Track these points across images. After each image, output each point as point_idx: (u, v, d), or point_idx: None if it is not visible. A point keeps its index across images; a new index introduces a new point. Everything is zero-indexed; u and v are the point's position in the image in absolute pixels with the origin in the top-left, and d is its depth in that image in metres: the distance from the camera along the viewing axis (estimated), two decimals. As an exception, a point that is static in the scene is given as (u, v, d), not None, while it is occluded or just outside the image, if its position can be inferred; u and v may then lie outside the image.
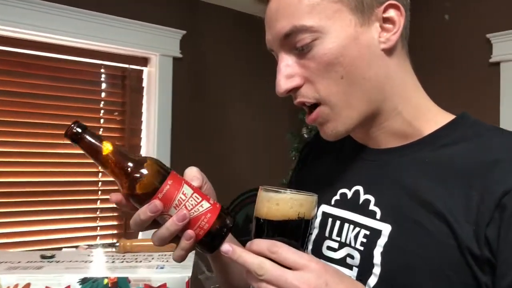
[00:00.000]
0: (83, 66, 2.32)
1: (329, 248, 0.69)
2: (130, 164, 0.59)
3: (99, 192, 2.36)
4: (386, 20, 0.63)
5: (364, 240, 0.64)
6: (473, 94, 2.36)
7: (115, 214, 2.41)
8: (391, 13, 0.62)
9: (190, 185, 0.61)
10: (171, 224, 0.58)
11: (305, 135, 2.29)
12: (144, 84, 2.54)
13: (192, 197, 0.59)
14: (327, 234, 0.70)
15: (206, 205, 0.60)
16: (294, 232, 0.57)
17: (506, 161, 0.56)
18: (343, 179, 0.71)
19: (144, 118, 2.53)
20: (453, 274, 0.55)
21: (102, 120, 2.38)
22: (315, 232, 0.72)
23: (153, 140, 2.47)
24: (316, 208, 0.60)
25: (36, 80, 2.17)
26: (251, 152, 2.85)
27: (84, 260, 0.93)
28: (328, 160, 0.78)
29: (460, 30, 2.43)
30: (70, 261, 0.90)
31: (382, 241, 0.61)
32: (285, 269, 0.52)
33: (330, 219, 0.70)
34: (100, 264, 0.89)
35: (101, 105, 2.39)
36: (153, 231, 0.62)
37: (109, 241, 2.39)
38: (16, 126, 2.12)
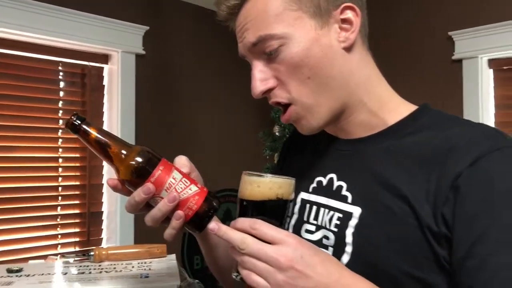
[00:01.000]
0: (39, 63, 2.17)
1: (307, 231, 0.75)
2: (125, 152, 0.66)
3: (59, 198, 2.22)
4: (344, 21, 0.69)
5: (338, 222, 0.70)
6: (437, 90, 2.42)
7: (77, 220, 2.27)
8: (348, 14, 0.69)
9: (179, 171, 0.68)
10: (162, 205, 0.64)
11: (277, 134, 2.26)
12: (105, 82, 2.42)
13: (181, 181, 0.66)
14: (305, 219, 0.76)
15: (194, 188, 0.66)
16: (273, 211, 0.64)
17: (460, 148, 0.62)
18: (319, 168, 0.78)
19: (105, 118, 2.41)
20: (416, 250, 0.61)
21: (61, 121, 2.24)
22: (295, 217, 0.78)
23: (116, 141, 2.35)
24: (293, 191, 0.66)
25: (-14, 78, 2.01)
26: (222, 153, 2.78)
27: (57, 273, 0.84)
28: (306, 152, 0.85)
29: (424, 28, 2.48)
30: (42, 274, 0.82)
31: (353, 222, 0.68)
32: (265, 244, 0.58)
33: (308, 205, 0.77)
34: (78, 277, 0.81)
35: (60, 105, 2.25)
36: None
37: (72, 249, 2.25)
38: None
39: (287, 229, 0.75)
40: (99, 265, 0.89)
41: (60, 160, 2.23)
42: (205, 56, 2.75)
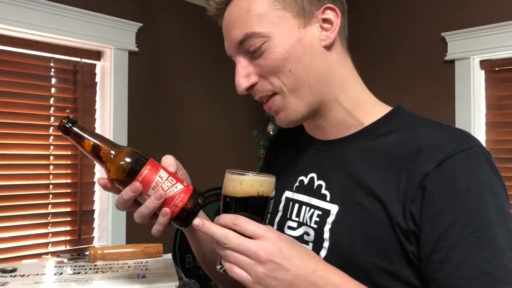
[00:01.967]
0: (31, 59, 2.14)
1: (289, 227, 0.80)
2: (114, 153, 0.70)
3: (50, 196, 2.19)
4: (325, 20, 0.73)
5: (317, 219, 0.74)
6: (430, 91, 2.44)
7: (69, 219, 2.25)
8: (329, 14, 0.73)
9: (166, 170, 0.71)
10: (149, 203, 0.68)
11: (271, 132, 2.25)
12: (98, 79, 2.38)
13: (167, 179, 0.69)
14: (288, 216, 0.81)
15: (180, 186, 0.70)
16: (254, 207, 0.67)
17: (428, 149, 0.66)
18: (301, 168, 0.83)
19: (98, 115, 2.38)
20: (387, 245, 0.66)
21: (52, 118, 2.21)
22: (279, 214, 0.83)
23: (108, 139, 2.33)
24: (274, 188, 0.69)
25: (-24, 74, 1.97)
26: (215, 151, 2.77)
27: (52, 273, 0.83)
28: (290, 152, 0.89)
29: (417, 29, 2.50)
30: (37, 274, 0.81)
31: (330, 219, 0.72)
32: (246, 238, 0.62)
33: (291, 203, 0.81)
34: (73, 277, 0.80)
35: (51, 102, 2.22)
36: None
37: (63, 247, 2.23)
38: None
39: (272, 225, 0.79)
40: (95, 265, 0.88)
41: (52, 157, 2.20)
42: (199, 54, 2.74)
